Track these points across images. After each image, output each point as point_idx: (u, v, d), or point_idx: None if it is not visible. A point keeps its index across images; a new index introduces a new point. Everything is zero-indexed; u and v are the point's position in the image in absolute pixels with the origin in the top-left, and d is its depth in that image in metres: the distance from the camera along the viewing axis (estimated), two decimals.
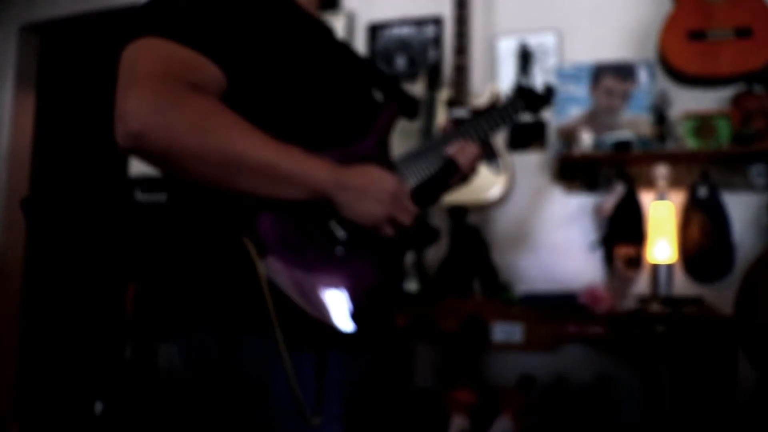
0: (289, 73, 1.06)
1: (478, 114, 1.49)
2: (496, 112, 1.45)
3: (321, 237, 1.04)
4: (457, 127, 1.40)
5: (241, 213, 0.98)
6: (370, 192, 1.04)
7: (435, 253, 2.73)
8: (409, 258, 2.71)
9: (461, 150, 1.32)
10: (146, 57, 0.92)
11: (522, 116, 1.51)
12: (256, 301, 0.94)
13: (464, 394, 2.52)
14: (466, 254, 2.63)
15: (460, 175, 1.35)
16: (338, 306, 1.02)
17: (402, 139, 2.86)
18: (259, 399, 1.00)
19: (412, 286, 2.64)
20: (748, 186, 2.58)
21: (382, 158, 1.19)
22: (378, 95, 1.33)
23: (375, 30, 3.15)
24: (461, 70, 2.78)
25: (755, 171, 2.56)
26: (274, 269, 0.97)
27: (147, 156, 0.92)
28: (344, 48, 1.29)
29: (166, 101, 0.89)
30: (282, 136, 0.98)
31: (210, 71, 0.96)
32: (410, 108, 1.36)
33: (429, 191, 1.33)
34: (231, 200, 0.98)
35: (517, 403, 2.48)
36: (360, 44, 3.16)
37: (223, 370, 1.00)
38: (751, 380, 2.19)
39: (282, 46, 1.05)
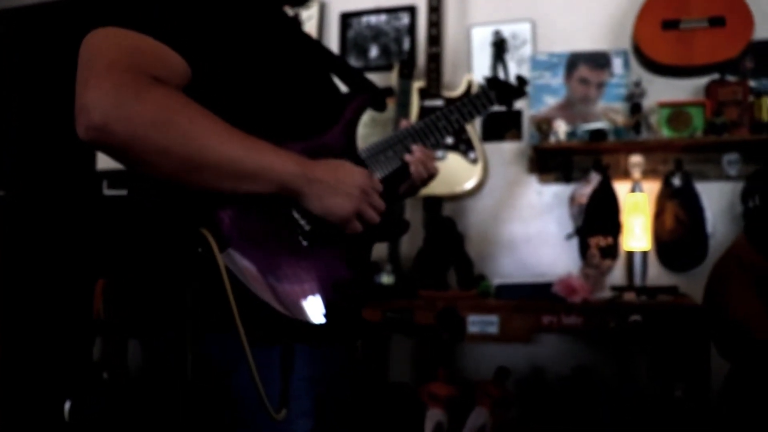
0: (254, 65, 1.08)
1: (450, 104, 1.54)
2: (467, 104, 1.51)
3: (286, 230, 1.06)
4: (425, 119, 1.46)
5: (203, 206, 0.98)
6: (339, 186, 1.06)
7: (410, 246, 2.83)
8: (384, 251, 2.81)
9: (420, 160, 1.35)
10: (108, 47, 0.92)
11: (494, 108, 1.60)
12: (218, 296, 0.94)
13: (440, 387, 2.62)
14: (441, 246, 2.73)
15: (411, 183, 1.38)
16: (305, 299, 1.04)
17: (376, 128, 2.97)
18: (226, 396, 1.02)
19: (387, 279, 2.74)
20: (721, 175, 2.72)
21: (348, 150, 1.22)
22: (345, 87, 1.39)
23: (348, 19, 3.24)
24: (435, 60, 2.89)
25: (728, 160, 2.70)
26: (236, 263, 0.97)
27: (108, 149, 0.91)
28: (310, 40, 1.33)
29: (128, 93, 0.88)
30: (248, 128, 0.99)
31: (174, 62, 0.96)
32: (378, 100, 1.37)
33: (393, 187, 1.37)
34: (192, 193, 0.98)
35: (493, 395, 2.58)
36: (332, 33, 3.25)
37: (187, 367, 1.00)
38: (724, 367, 2.31)
39: (247, 37, 1.07)
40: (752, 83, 2.70)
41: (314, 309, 1.04)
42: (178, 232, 0.99)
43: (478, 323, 2.54)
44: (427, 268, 2.74)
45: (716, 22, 2.68)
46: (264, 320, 0.99)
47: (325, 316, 1.04)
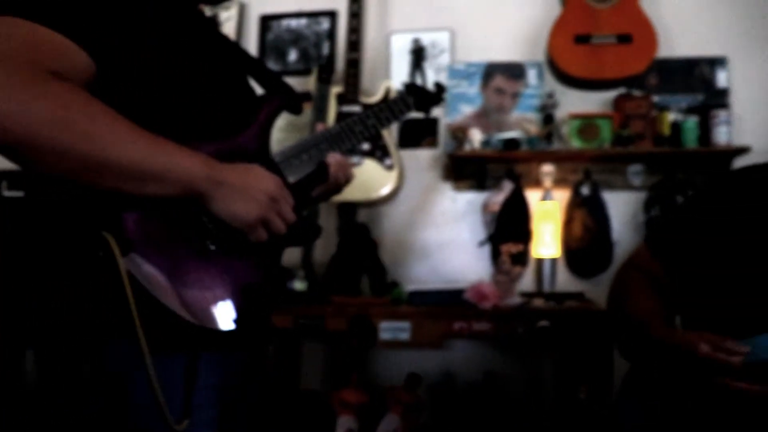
0: (164, 62, 1.05)
1: (368, 108, 1.55)
2: (385, 109, 1.52)
3: (193, 233, 1.03)
4: (341, 123, 1.46)
5: (105, 208, 0.95)
6: (246, 191, 1.03)
7: (323, 252, 2.83)
8: (297, 256, 2.79)
9: (338, 164, 1.37)
10: (1, 38, 0.87)
11: (411, 114, 1.61)
12: (119, 302, 0.91)
13: (351, 393, 2.61)
14: (355, 252, 2.74)
15: (326, 187, 1.39)
16: (212, 305, 1.01)
17: (294, 133, 2.95)
18: (125, 405, 0.99)
19: (299, 284, 2.72)
20: (626, 185, 2.84)
21: (261, 153, 1.20)
22: (261, 90, 1.37)
23: (267, 22, 3.22)
24: (354, 66, 2.90)
25: (633, 171, 2.82)
26: (139, 267, 0.95)
27: (1, 148, 0.87)
28: (226, 40, 1.31)
29: (24, 88, 0.84)
30: (157, 128, 0.96)
31: (76, 57, 0.92)
32: (294, 102, 1.35)
33: (305, 192, 1.36)
34: (95, 195, 0.94)
35: (404, 402, 2.59)
36: (252, 36, 3.22)
37: (84, 376, 0.99)
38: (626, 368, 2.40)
39: (157, 33, 1.04)
40: (656, 98, 2.84)
41: (221, 315, 1.02)
42: (78, 235, 0.95)
43: (390, 330, 2.56)
44: (341, 275, 2.73)
45: (624, 39, 2.80)
46: (167, 327, 0.96)
47: (233, 322, 1.03)
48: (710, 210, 1.35)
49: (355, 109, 2.81)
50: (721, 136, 2.73)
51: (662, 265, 1.40)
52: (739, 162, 2.69)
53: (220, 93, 1.16)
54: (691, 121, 2.75)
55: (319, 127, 1.51)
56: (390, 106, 1.52)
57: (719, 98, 2.85)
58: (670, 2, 2.91)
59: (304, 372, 2.91)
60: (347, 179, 1.42)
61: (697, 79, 2.88)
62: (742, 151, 2.69)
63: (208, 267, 1.03)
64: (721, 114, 2.74)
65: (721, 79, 2.87)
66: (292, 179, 1.29)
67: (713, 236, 1.31)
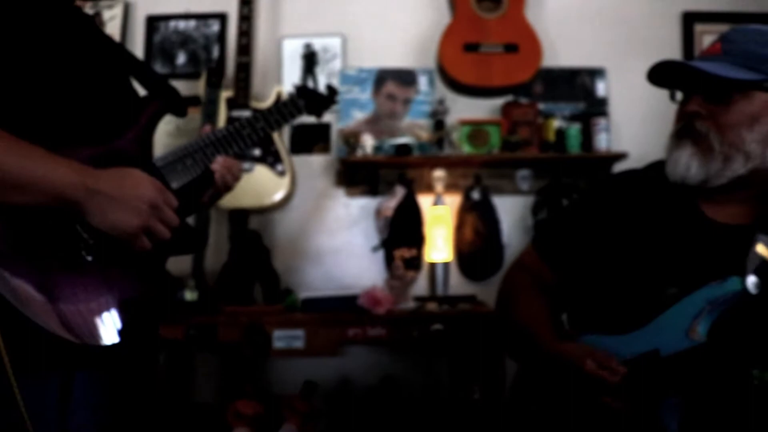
0: (35, 61, 1.00)
1: (258, 112, 1.52)
2: (274, 112, 1.50)
3: (68, 244, 0.98)
4: (228, 126, 1.43)
5: None
6: (126, 200, 0.99)
7: (214, 260, 2.76)
8: (188, 265, 2.71)
9: (225, 168, 1.35)
10: None
11: (302, 117, 1.60)
12: None
13: (246, 405, 2.56)
14: (247, 260, 2.69)
15: (215, 190, 1.37)
16: (89, 320, 0.97)
17: (182, 138, 2.88)
18: None
19: (189, 294, 2.64)
20: (515, 189, 2.95)
21: (142, 158, 1.17)
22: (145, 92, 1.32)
23: (154, 22, 3.12)
24: (244, 70, 2.86)
25: (521, 176, 2.93)
26: (6, 282, 0.90)
27: None
28: (107, 40, 1.26)
29: None
30: (27, 132, 0.92)
31: None
32: (178, 105, 1.32)
33: (191, 198, 1.33)
34: None
35: (300, 411, 2.57)
36: (138, 37, 3.11)
37: None
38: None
39: (27, 30, 1.00)
40: (541, 106, 2.96)
41: (103, 330, 0.98)
42: None
43: (284, 338, 2.54)
44: (232, 283, 2.68)
45: (511, 48, 2.90)
46: (38, 345, 0.91)
47: (116, 336, 0.98)
48: (591, 212, 1.41)
49: (246, 114, 2.77)
50: (602, 142, 2.88)
51: (549, 266, 1.44)
52: (619, 167, 2.84)
53: (98, 95, 1.12)
54: (574, 128, 2.88)
55: (206, 128, 1.47)
56: (280, 109, 1.50)
57: (599, 107, 3.01)
58: (554, 15, 3.05)
59: (197, 384, 2.84)
60: (236, 180, 1.40)
61: (579, 89, 3.03)
62: (621, 156, 2.85)
63: (84, 279, 0.99)
64: (601, 122, 2.90)
65: (601, 88, 3.04)
66: (176, 184, 1.25)
67: (594, 237, 1.36)
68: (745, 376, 1.14)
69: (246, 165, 2.74)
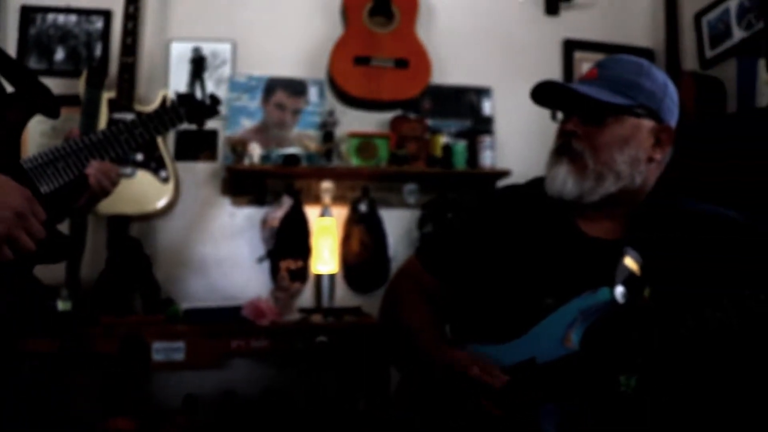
0: None
1: (138, 117, 1.49)
2: (154, 118, 1.47)
3: None
4: (104, 130, 1.39)
5: None
6: None
7: (91, 268, 2.66)
8: (61, 273, 2.60)
9: (101, 173, 1.33)
10: None
11: (183, 125, 1.57)
12: None
13: (124, 421, 2.49)
14: (126, 269, 2.61)
15: (91, 195, 1.34)
16: None
17: (59, 139, 2.75)
18: None
19: (63, 304, 2.53)
20: (402, 203, 3.02)
21: (8, 160, 1.12)
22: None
23: (30, 14, 2.96)
24: (129, 71, 2.78)
25: (408, 190, 3.00)
26: None
27: None
28: None
29: None
30: None
31: None
32: (48, 105, 1.26)
33: (63, 202, 1.30)
34: None
35: (181, 425, 2.52)
36: (10, 28, 2.94)
37: None
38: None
39: None
40: (429, 122, 3.05)
41: None
42: None
43: (164, 350, 2.48)
44: (110, 292, 2.59)
45: (401, 63, 2.97)
46: None
47: None
48: (474, 224, 1.47)
49: (129, 116, 2.68)
50: (487, 159, 3.00)
51: (432, 275, 1.48)
52: (502, 183, 2.96)
53: None
54: (461, 145, 2.99)
55: (73, 132, 1.41)
56: (161, 116, 1.49)
57: (485, 125, 3.14)
58: (444, 34, 3.15)
59: (72, 400, 2.71)
60: (113, 185, 1.37)
61: (466, 106, 3.15)
62: (504, 173, 2.99)
63: None
64: (486, 139, 3.02)
65: (487, 107, 3.17)
66: (46, 188, 1.22)
67: (476, 249, 1.42)
68: (613, 383, 1.21)
69: (127, 170, 2.66)
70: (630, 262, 1.20)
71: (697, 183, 1.53)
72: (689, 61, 3.07)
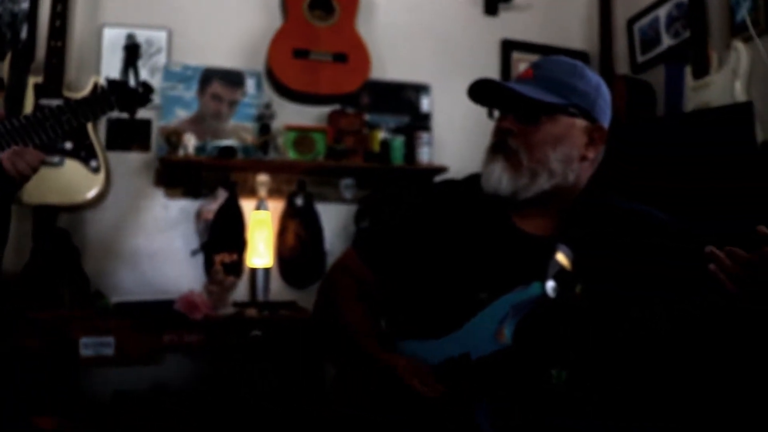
0: None
1: (66, 103, 1.45)
2: (83, 105, 1.43)
3: None
4: (27, 116, 1.35)
5: None
6: None
7: (15, 260, 2.56)
8: None
9: (16, 156, 1.29)
10: None
11: (114, 113, 1.54)
12: None
13: (46, 420, 2.42)
14: (53, 261, 2.54)
15: (8, 181, 1.31)
16: None
17: None
18: None
19: None
20: (339, 198, 3.03)
21: None
22: None
23: None
24: (58, 55, 2.69)
25: (345, 184, 3.02)
26: None
27: None
28: None
29: None
30: None
31: None
32: None
33: None
34: None
35: (111, 421, 2.47)
36: None
37: None
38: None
39: None
40: (367, 117, 3.07)
41: None
42: None
43: (92, 345, 2.42)
44: (35, 285, 2.51)
45: (340, 57, 2.98)
46: None
47: None
48: (411, 219, 1.48)
49: (57, 102, 2.59)
50: (424, 155, 3.04)
51: (370, 268, 1.49)
52: (439, 179, 3.01)
53: None
54: (398, 141, 3.02)
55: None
56: (90, 103, 1.45)
57: (423, 121, 3.18)
58: (384, 30, 3.17)
59: None
60: (32, 169, 1.33)
61: (404, 102, 3.18)
62: (442, 170, 3.03)
63: None
64: (424, 135, 3.06)
65: (425, 104, 3.21)
66: None
67: (413, 243, 1.44)
68: (544, 376, 1.25)
69: (55, 159, 2.58)
70: (562, 258, 1.24)
71: (627, 186, 1.59)
72: (621, 65, 3.18)
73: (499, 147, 1.36)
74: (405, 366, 1.29)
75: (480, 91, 1.40)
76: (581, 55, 3.31)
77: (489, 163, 1.37)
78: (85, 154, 2.63)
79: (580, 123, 1.35)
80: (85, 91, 2.70)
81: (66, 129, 1.40)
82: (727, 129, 2.14)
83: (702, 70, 2.48)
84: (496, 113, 1.42)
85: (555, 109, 1.33)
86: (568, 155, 1.34)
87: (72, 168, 2.62)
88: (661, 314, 1.18)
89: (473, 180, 1.46)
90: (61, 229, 2.62)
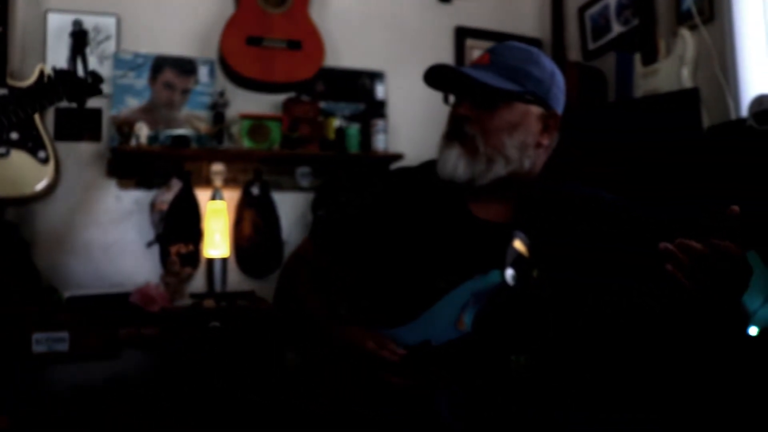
0: None
1: (11, 92, 1.42)
2: (29, 94, 1.41)
3: None
4: None
5: None
6: None
7: None
8: None
9: None
10: None
11: (62, 103, 1.50)
12: None
13: None
14: (2, 255, 2.48)
15: None
16: None
17: None
18: None
19: None
20: (295, 186, 3.02)
21: None
22: None
23: None
24: (0, 42, 2.61)
25: (301, 173, 3.01)
26: None
27: None
28: None
29: None
30: None
31: None
32: None
33: None
34: None
35: (68, 418, 2.43)
36: None
37: None
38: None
39: None
40: (322, 104, 3.07)
41: None
42: None
43: (45, 341, 2.38)
44: None
45: (294, 45, 2.97)
46: None
47: None
48: (367, 207, 1.48)
49: (2, 92, 2.53)
50: (380, 143, 3.06)
51: (326, 257, 1.49)
52: (395, 167, 3.03)
53: None
54: (354, 128, 3.03)
55: None
56: (36, 93, 1.43)
57: (378, 109, 3.20)
58: (337, 17, 3.17)
59: None
60: None
61: (359, 90, 3.19)
62: (397, 157, 3.05)
63: None
64: (379, 123, 3.08)
65: (380, 91, 3.22)
66: None
67: (370, 231, 1.44)
68: (505, 362, 1.28)
69: (1, 149, 2.51)
70: (519, 245, 1.25)
71: (579, 172, 1.63)
72: (573, 52, 3.24)
73: (455, 133, 1.37)
74: (361, 333, 1.30)
75: (436, 77, 1.39)
76: (534, 42, 3.36)
77: (445, 149, 1.38)
78: (32, 144, 2.57)
79: (536, 110, 1.37)
80: (31, 79, 2.62)
81: (13, 120, 1.37)
82: (674, 114, 2.21)
83: (650, 58, 2.55)
84: (452, 99, 1.43)
85: (511, 95, 1.34)
86: (524, 142, 1.35)
87: (19, 159, 2.55)
88: (619, 302, 1.22)
89: (428, 167, 1.46)
90: (8, 222, 2.56)
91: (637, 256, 1.27)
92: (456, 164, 1.35)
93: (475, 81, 1.32)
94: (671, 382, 1.70)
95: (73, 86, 1.52)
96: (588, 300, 1.25)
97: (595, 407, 1.30)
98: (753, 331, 1.62)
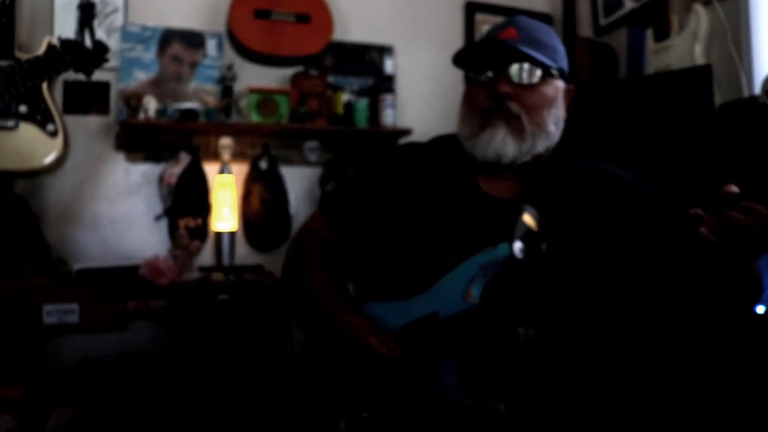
0: None
1: (18, 63, 1.41)
2: (35, 64, 1.40)
3: None
4: None
5: None
6: None
7: None
8: None
9: None
10: None
11: (69, 72, 1.50)
12: None
13: (10, 390, 2.40)
14: (12, 228, 2.50)
15: None
16: None
17: None
18: None
19: None
20: (303, 161, 3.03)
21: None
22: None
23: None
24: (6, 14, 2.60)
25: (309, 147, 3.01)
26: None
27: None
28: None
29: None
30: None
31: None
32: None
33: None
34: None
35: (75, 391, 2.47)
36: None
37: None
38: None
39: None
40: (331, 79, 3.06)
41: None
42: None
43: (56, 313, 2.40)
44: None
45: (303, 18, 2.95)
46: None
47: None
48: (377, 182, 1.47)
49: (8, 63, 2.53)
50: (388, 118, 3.06)
51: (336, 232, 1.48)
52: (403, 142, 3.03)
53: None
54: (362, 103, 3.03)
55: None
56: (43, 62, 1.42)
57: (387, 83, 3.19)
58: None
59: None
60: None
61: (368, 64, 3.18)
62: (406, 132, 3.05)
63: None
64: (388, 98, 3.07)
65: (389, 66, 3.21)
66: None
67: (380, 206, 1.44)
68: (512, 334, 1.28)
69: (9, 122, 2.52)
70: (528, 219, 1.25)
71: (588, 148, 1.62)
72: (585, 28, 3.22)
73: (498, 111, 1.32)
74: (364, 326, 1.31)
75: (469, 54, 1.36)
76: (545, 17, 3.34)
77: (486, 128, 1.33)
78: (41, 117, 2.57)
79: (562, 85, 1.37)
80: (39, 51, 2.62)
81: (20, 89, 1.37)
82: (686, 92, 2.19)
83: (663, 34, 2.53)
84: (485, 76, 1.35)
85: (551, 71, 1.33)
86: (558, 117, 1.35)
87: (28, 132, 2.56)
88: (622, 288, 1.22)
89: (439, 142, 1.46)
90: (18, 196, 2.57)
91: (636, 215, 1.27)
92: (503, 143, 1.32)
93: (531, 58, 1.29)
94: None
95: (79, 55, 1.51)
96: (596, 276, 1.26)
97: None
98: (760, 309, 1.63)
